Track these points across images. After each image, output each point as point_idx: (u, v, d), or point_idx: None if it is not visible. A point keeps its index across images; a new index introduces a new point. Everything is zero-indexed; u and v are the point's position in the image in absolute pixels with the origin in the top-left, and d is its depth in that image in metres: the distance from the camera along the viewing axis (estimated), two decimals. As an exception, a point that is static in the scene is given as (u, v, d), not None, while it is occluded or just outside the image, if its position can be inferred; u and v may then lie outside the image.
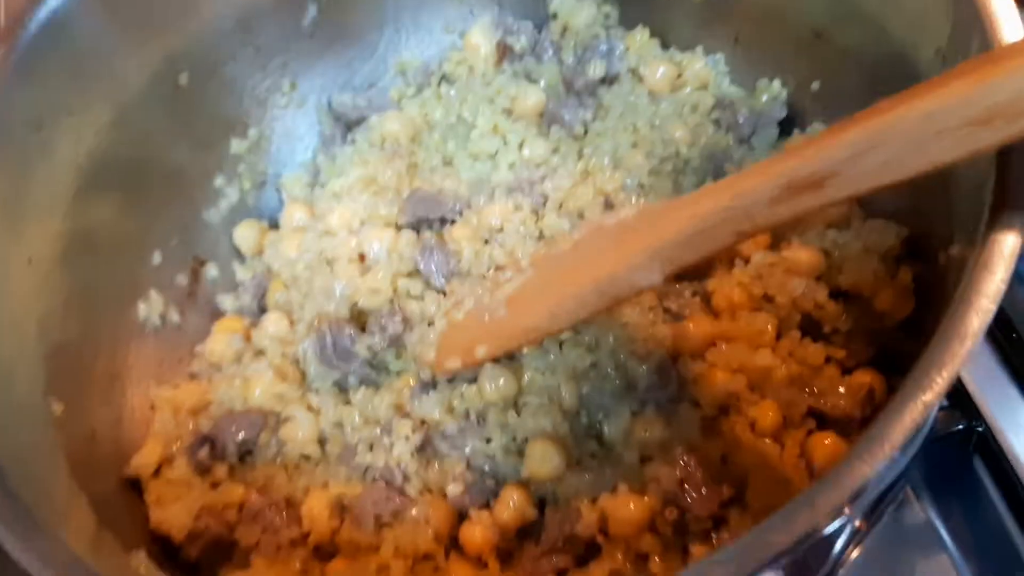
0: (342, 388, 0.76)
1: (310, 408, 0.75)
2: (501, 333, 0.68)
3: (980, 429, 0.76)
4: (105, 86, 0.73)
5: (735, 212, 0.54)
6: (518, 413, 0.70)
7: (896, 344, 0.67)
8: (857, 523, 0.55)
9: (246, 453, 0.74)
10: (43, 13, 0.66)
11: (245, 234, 0.86)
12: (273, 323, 0.79)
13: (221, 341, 0.80)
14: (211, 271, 0.85)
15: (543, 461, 0.67)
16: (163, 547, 0.68)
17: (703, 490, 0.61)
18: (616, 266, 0.61)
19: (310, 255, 0.80)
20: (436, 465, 0.71)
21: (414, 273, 0.78)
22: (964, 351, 0.42)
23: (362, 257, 0.79)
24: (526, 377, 0.71)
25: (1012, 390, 0.77)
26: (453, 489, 0.69)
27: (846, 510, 0.47)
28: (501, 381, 0.70)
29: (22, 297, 0.65)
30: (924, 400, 0.41)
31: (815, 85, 0.79)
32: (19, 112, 0.66)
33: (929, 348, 0.44)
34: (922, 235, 0.67)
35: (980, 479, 0.79)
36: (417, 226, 0.81)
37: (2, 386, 0.59)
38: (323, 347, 0.74)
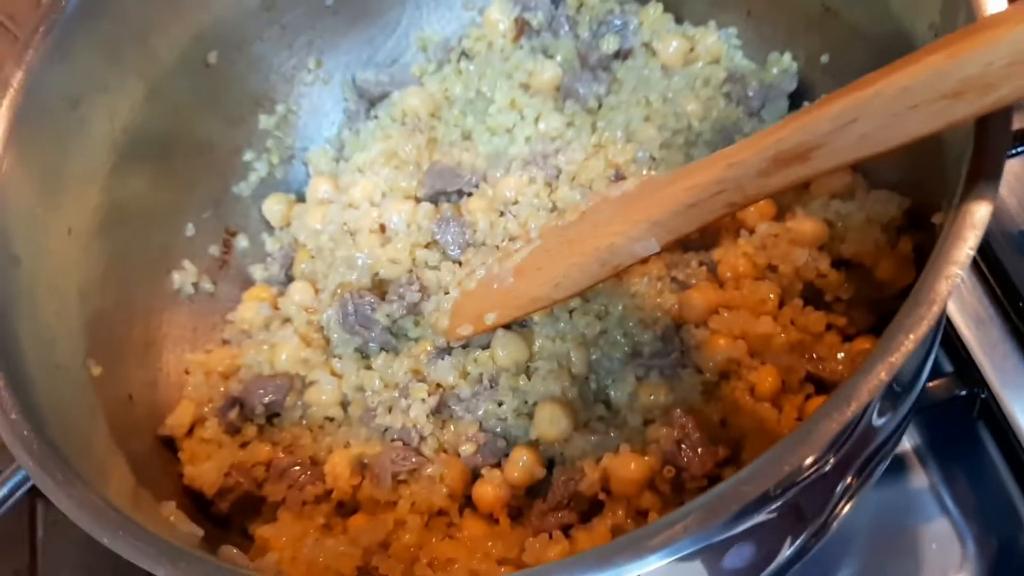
0: (363, 354, 0.80)
1: (333, 373, 0.79)
2: (509, 301, 0.71)
3: (983, 396, 0.77)
4: (138, 63, 0.76)
5: (727, 184, 0.57)
6: (529, 378, 0.74)
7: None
8: (848, 479, 0.58)
9: (273, 415, 0.79)
10: (79, -7, 0.70)
11: (273, 207, 0.90)
12: (299, 292, 0.83)
13: (250, 309, 0.84)
14: (242, 242, 0.89)
15: (551, 423, 0.71)
16: (196, 501, 0.72)
17: (699, 450, 0.64)
18: (617, 236, 0.64)
19: (333, 227, 0.83)
20: (451, 427, 0.74)
21: (432, 244, 0.81)
22: (931, 315, 0.44)
23: (383, 228, 0.82)
24: (537, 343, 0.74)
25: (1016, 358, 0.78)
26: (466, 449, 0.72)
27: (824, 464, 0.50)
28: (513, 347, 0.73)
29: (63, 266, 0.69)
30: (891, 361, 0.43)
31: (824, 58, 0.80)
32: (56, 89, 0.69)
33: (899, 312, 0.46)
34: (922, 205, 0.69)
35: (983, 445, 0.80)
36: (435, 198, 0.84)
37: (44, 349, 0.63)
38: (345, 315, 0.78)
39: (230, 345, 0.84)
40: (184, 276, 0.83)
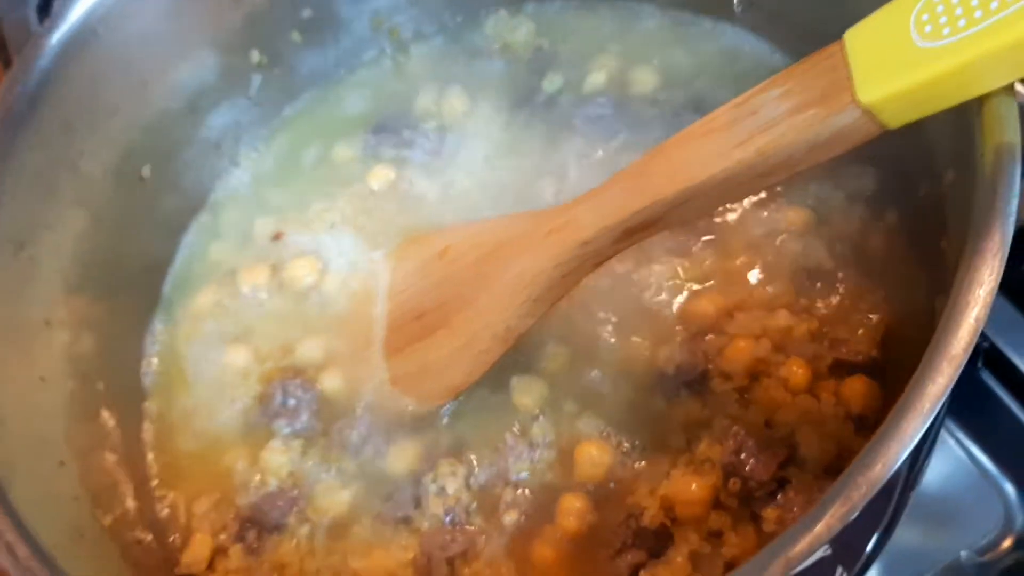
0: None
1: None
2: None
3: (985, 345, 0.79)
4: (75, 191, 0.72)
5: (586, 256, 0.62)
6: (555, 419, 0.71)
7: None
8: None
9: (278, 527, 0.73)
10: (4, 133, 0.65)
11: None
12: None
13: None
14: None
15: (594, 464, 0.68)
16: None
17: (760, 456, 0.63)
18: (499, 323, 0.66)
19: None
20: (486, 494, 0.71)
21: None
22: (998, 263, 0.44)
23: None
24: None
25: (1006, 306, 0.80)
26: (510, 518, 0.69)
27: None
28: (536, 388, 0.72)
29: (46, 414, 0.64)
30: (975, 317, 0.43)
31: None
32: (1, 235, 0.65)
33: (961, 270, 0.45)
34: (897, 173, 0.71)
35: (994, 393, 0.81)
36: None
37: (53, 510, 0.58)
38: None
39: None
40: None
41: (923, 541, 0.79)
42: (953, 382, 0.42)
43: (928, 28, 0.47)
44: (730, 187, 0.56)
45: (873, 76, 0.49)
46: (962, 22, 0.45)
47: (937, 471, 0.81)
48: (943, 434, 0.82)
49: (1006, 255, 0.44)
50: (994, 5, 0.44)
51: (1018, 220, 0.79)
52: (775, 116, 0.53)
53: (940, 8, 0.47)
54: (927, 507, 0.80)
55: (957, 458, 0.81)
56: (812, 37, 0.56)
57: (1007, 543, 0.77)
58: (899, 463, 0.39)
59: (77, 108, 0.71)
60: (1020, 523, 0.78)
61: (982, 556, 0.77)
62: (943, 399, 0.42)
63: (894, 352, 0.67)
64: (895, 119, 0.50)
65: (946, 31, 0.46)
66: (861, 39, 0.51)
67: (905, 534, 0.78)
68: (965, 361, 0.42)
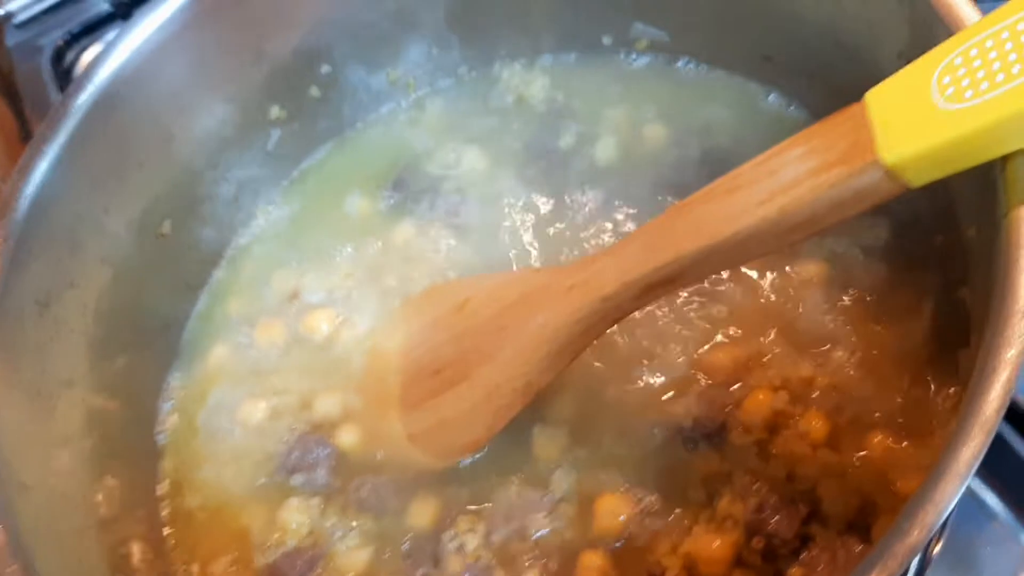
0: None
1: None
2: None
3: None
4: (99, 249, 0.72)
5: (607, 311, 0.62)
6: (575, 472, 0.71)
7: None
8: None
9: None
10: (30, 189, 0.65)
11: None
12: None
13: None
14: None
15: (614, 517, 0.68)
16: None
17: (782, 512, 0.62)
18: (519, 377, 0.66)
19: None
20: (505, 551, 0.70)
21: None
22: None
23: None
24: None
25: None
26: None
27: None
28: (559, 439, 0.72)
29: (68, 478, 0.63)
30: (1005, 378, 0.43)
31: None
32: (25, 295, 0.65)
33: (988, 331, 0.46)
34: (911, 223, 0.71)
35: (1006, 438, 0.79)
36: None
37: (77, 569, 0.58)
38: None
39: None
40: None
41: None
42: (986, 447, 0.42)
43: (950, 91, 0.47)
44: (752, 245, 0.56)
45: (896, 136, 0.49)
46: (984, 85, 0.46)
47: (957, 518, 0.80)
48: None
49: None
50: (1016, 69, 0.45)
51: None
52: (798, 175, 0.53)
53: (962, 72, 0.47)
54: (947, 556, 0.79)
55: (974, 506, 0.80)
56: (830, 92, 0.57)
57: (1026, 594, 0.76)
58: (935, 529, 0.39)
59: (103, 166, 0.71)
60: (1037, 574, 0.77)
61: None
62: (976, 463, 0.42)
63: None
64: (918, 178, 0.50)
65: (968, 94, 0.47)
66: (883, 99, 0.51)
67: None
68: (997, 425, 0.42)
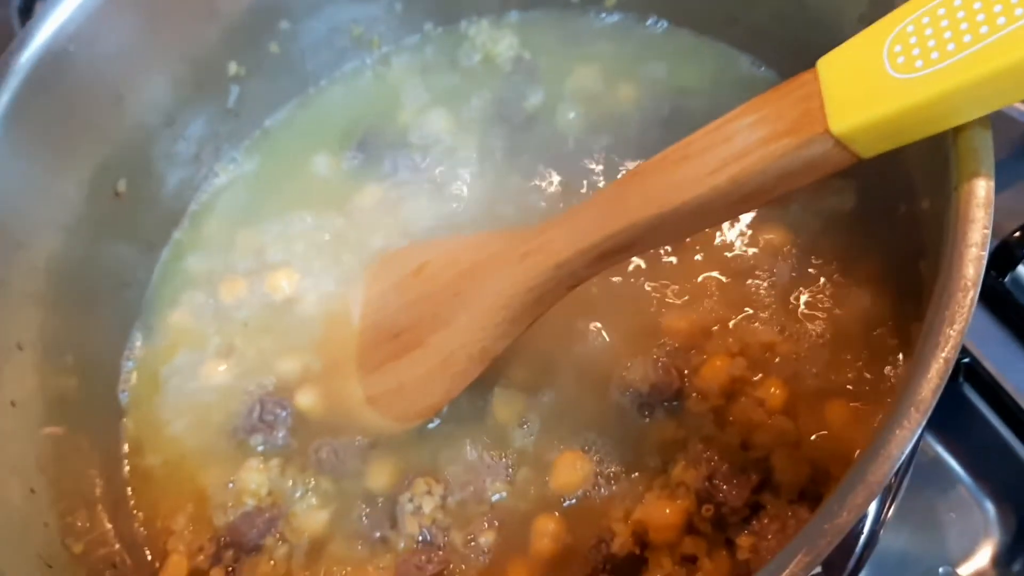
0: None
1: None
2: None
3: (967, 360, 0.79)
4: (47, 209, 0.71)
5: (561, 278, 0.62)
6: (533, 434, 0.71)
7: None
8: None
9: (256, 548, 0.72)
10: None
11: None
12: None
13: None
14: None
15: (573, 473, 0.68)
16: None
17: (733, 481, 0.62)
18: (476, 342, 0.66)
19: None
20: (462, 513, 0.71)
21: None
22: (968, 302, 0.44)
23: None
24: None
25: (987, 319, 0.80)
26: (486, 539, 0.68)
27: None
28: (516, 403, 0.71)
29: (17, 443, 0.63)
30: (944, 357, 0.43)
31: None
32: (-30, 256, 0.64)
33: (932, 307, 0.45)
34: (877, 191, 0.70)
35: (974, 405, 0.81)
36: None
37: (19, 540, 0.58)
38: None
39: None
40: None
41: (904, 553, 0.79)
42: (921, 426, 0.41)
43: (901, 60, 0.46)
44: (705, 213, 0.55)
45: (845, 106, 0.48)
46: (935, 55, 0.45)
47: (921, 483, 0.80)
48: (926, 447, 0.82)
49: (975, 296, 0.43)
50: (967, 39, 0.44)
51: (999, 234, 0.81)
52: (748, 144, 0.52)
53: (913, 40, 0.46)
54: (910, 519, 0.80)
55: (939, 473, 0.81)
56: (796, 55, 0.55)
57: (986, 560, 0.77)
58: (865, 510, 0.39)
59: (49, 126, 0.69)
60: (999, 540, 0.78)
61: (961, 572, 0.77)
62: (911, 443, 0.41)
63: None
64: (868, 149, 0.49)
65: (919, 63, 0.45)
66: (834, 68, 0.50)
67: (888, 545, 0.78)
68: (934, 405, 0.42)
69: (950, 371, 0.43)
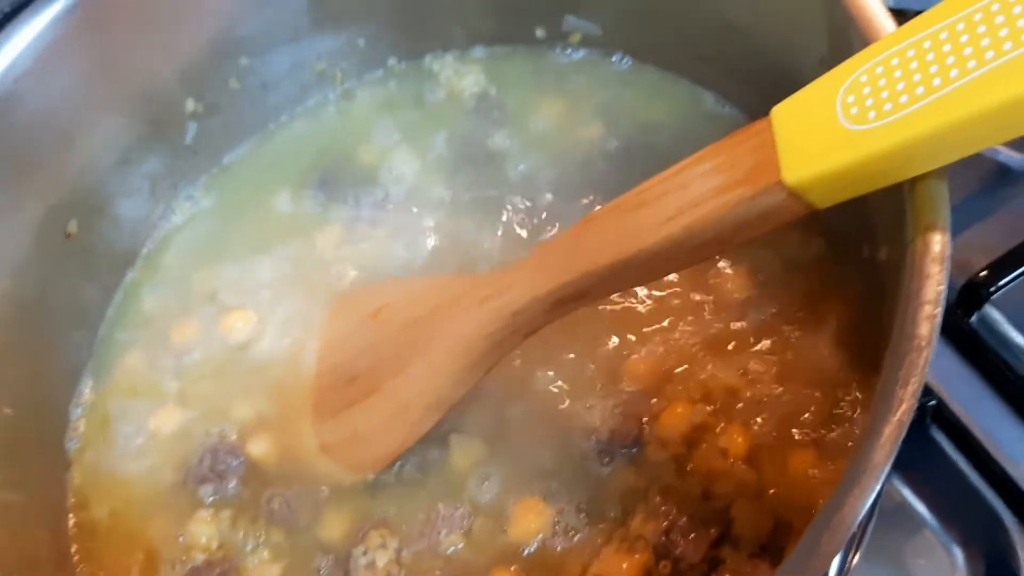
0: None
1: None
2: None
3: (932, 403, 0.78)
4: (-8, 253, 0.69)
5: (518, 325, 0.61)
6: (492, 483, 0.69)
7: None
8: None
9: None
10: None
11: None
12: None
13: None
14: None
15: (531, 517, 0.66)
16: None
17: (691, 536, 0.61)
18: (431, 392, 0.65)
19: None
20: (416, 567, 0.69)
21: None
22: (922, 361, 0.43)
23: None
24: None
25: (954, 360, 0.79)
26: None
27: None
28: (475, 449, 0.70)
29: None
30: (897, 420, 0.41)
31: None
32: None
33: (885, 367, 0.44)
34: (840, 236, 0.69)
35: (941, 448, 0.80)
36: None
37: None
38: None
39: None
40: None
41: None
42: (875, 491, 0.40)
43: (854, 110, 0.45)
44: (660, 262, 0.54)
45: (799, 156, 0.47)
46: (888, 106, 0.44)
47: (887, 527, 0.79)
48: (892, 490, 0.80)
49: (929, 355, 0.42)
50: (920, 91, 0.43)
51: (967, 272, 0.80)
52: (703, 193, 0.51)
53: (867, 91, 0.45)
54: (878, 564, 0.78)
55: (906, 517, 0.79)
56: (762, 96, 0.54)
57: (954, 607, 0.76)
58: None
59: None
60: (967, 586, 0.76)
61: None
62: (866, 506, 0.40)
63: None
64: (822, 200, 0.48)
65: (872, 115, 0.45)
66: (788, 116, 0.49)
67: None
68: (888, 467, 0.41)
69: (904, 432, 0.41)
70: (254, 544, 0.70)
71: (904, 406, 0.41)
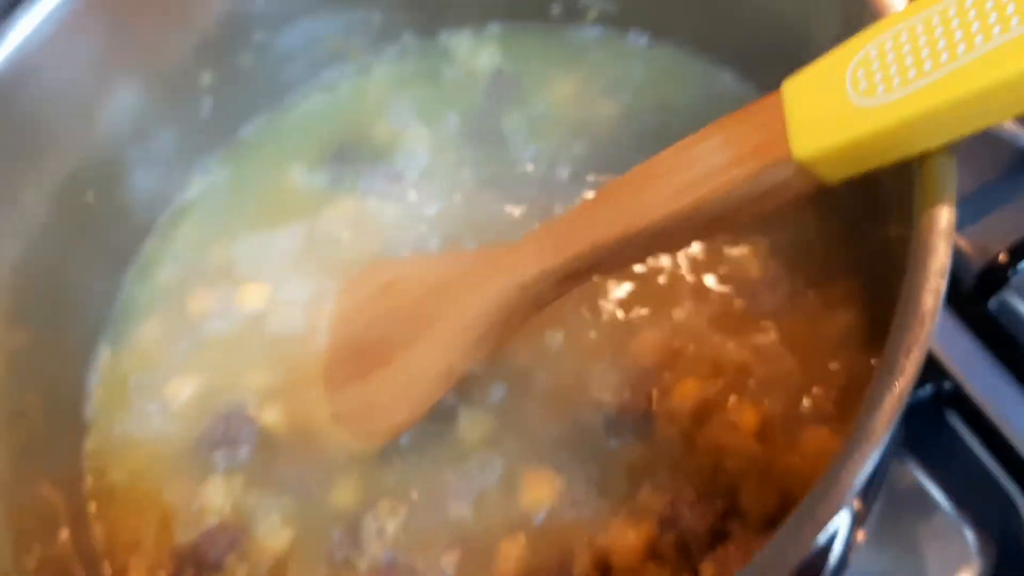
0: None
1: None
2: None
3: (950, 386, 0.77)
4: (12, 222, 0.70)
5: (527, 299, 0.61)
6: (500, 455, 0.70)
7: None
8: (856, 506, 0.56)
9: (217, 567, 0.70)
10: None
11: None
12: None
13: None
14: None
15: (540, 487, 0.67)
16: None
17: (696, 509, 0.61)
18: (432, 352, 0.66)
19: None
20: (425, 534, 0.70)
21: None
22: (925, 333, 0.43)
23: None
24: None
25: (972, 344, 0.78)
26: (448, 561, 0.67)
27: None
28: (486, 423, 0.70)
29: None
30: (899, 387, 0.42)
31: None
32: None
33: (889, 338, 0.44)
34: (851, 213, 0.69)
35: (957, 432, 0.80)
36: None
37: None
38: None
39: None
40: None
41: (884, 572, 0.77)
42: (874, 461, 0.40)
43: (863, 85, 0.45)
44: (670, 235, 0.55)
45: (808, 131, 0.47)
46: (896, 81, 0.44)
47: (900, 510, 0.79)
48: (905, 473, 0.80)
49: (932, 327, 0.42)
50: (927, 66, 0.43)
51: (986, 255, 0.79)
52: (714, 166, 0.51)
53: (876, 65, 0.45)
54: (889, 546, 0.78)
55: (920, 499, 0.79)
56: (778, 72, 0.54)
57: (965, 591, 0.76)
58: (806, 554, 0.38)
59: (12, 137, 0.68)
60: (979, 569, 0.76)
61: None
62: (861, 477, 0.40)
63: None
64: (831, 175, 0.48)
65: (880, 89, 0.45)
66: (799, 91, 0.49)
67: (866, 573, 0.77)
68: (888, 436, 0.41)
69: (905, 403, 0.42)
70: (265, 510, 0.71)
71: (906, 374, 0.41)
